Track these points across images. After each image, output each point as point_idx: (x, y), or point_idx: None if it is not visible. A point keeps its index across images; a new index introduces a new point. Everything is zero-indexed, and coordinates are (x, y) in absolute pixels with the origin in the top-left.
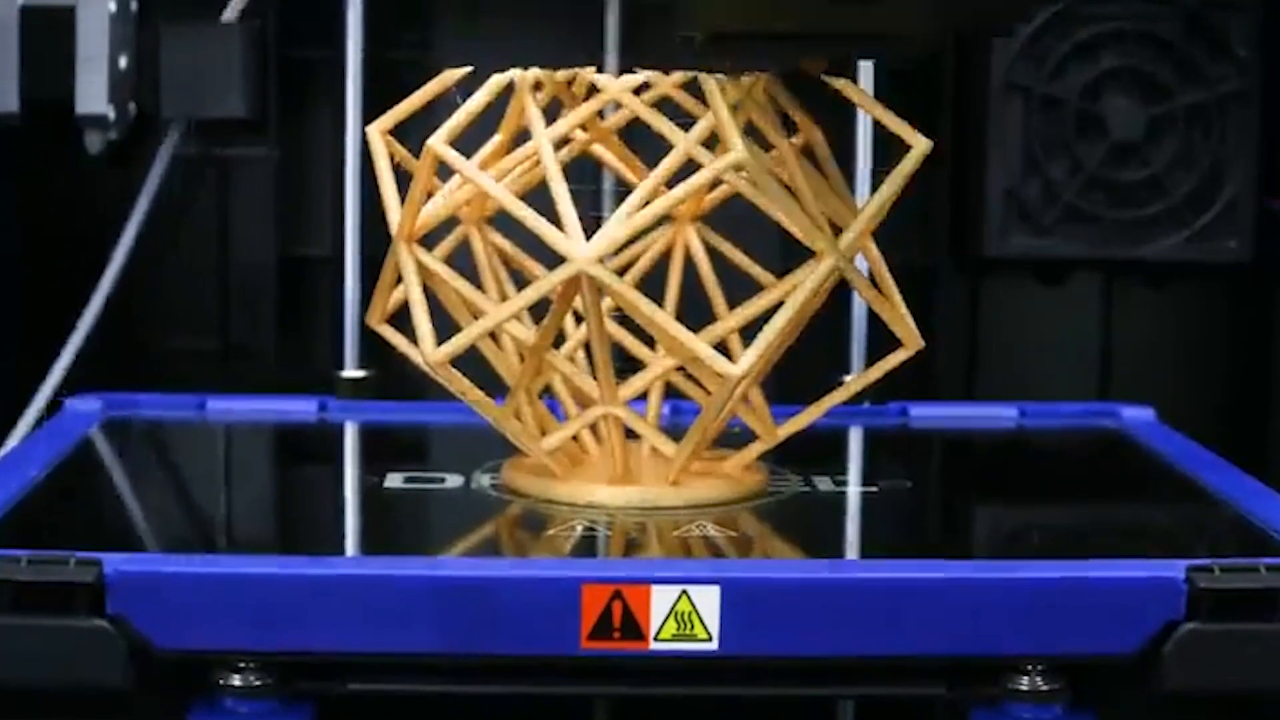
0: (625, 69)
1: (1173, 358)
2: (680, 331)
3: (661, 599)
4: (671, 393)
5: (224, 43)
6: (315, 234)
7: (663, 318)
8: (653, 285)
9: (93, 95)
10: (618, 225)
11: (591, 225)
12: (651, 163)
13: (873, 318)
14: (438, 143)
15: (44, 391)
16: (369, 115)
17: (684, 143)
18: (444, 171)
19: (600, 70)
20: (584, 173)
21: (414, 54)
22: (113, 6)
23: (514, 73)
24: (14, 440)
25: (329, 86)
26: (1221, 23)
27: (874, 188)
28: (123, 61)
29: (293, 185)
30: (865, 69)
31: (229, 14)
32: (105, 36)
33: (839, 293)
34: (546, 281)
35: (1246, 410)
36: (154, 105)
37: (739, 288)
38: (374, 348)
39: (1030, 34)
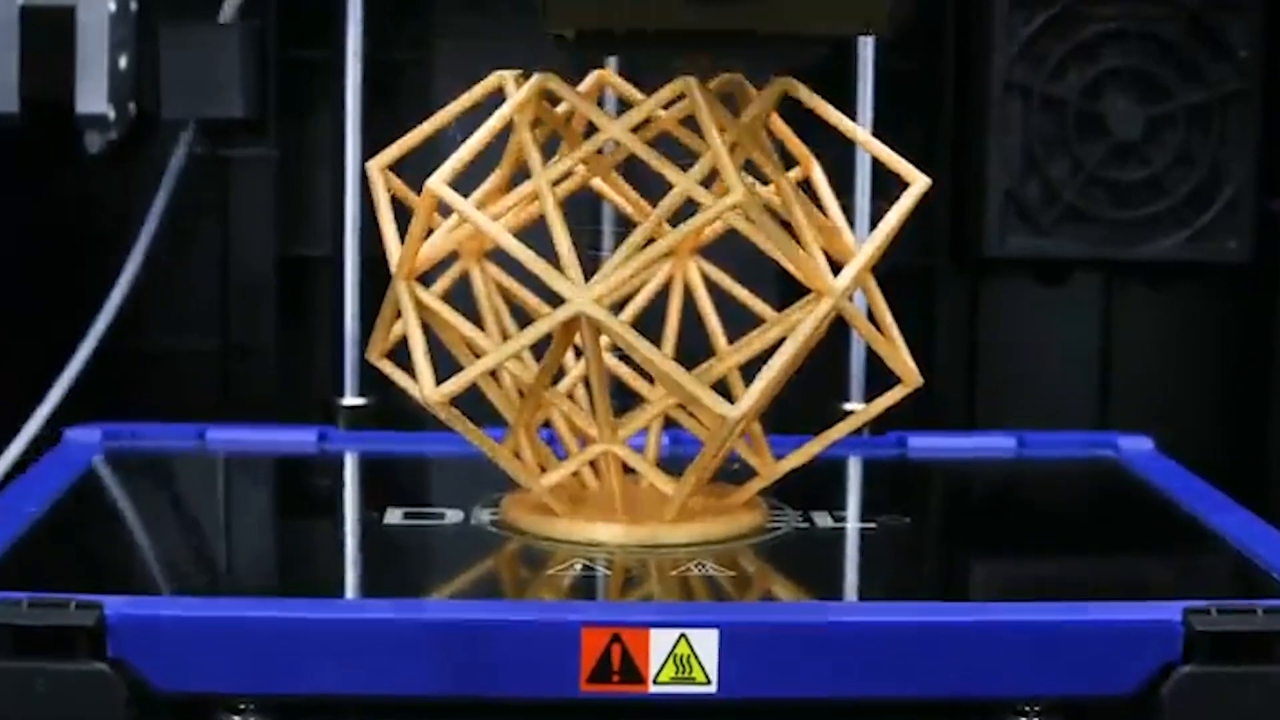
0: (625, 68)
1: (1173, 358)
2: (679, 373)
3: (660, 642)
4: (671, 422)
5: (224, 43)
6: (315, 234)
7: (661, 359)
8: (653, 315)
9: (93, 95)
10: (617, 267)
11: (591, 264)
12: (653, 181)
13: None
14: (437, 183)
15: (42, 410)
16: (369, 115)
17: (683, 182)
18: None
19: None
20: (583, 207)
21: (414, 54)
22: (113, 6)
23: (513, 91)
24: (25, 431)
25: (329, 86)
26: (1222, 23)
27: (873, 220)
28: (123, 61)
29: (293, 185)
30: (864, 72)
31: (226, 13)
32: (105, 36)
33: (839, 319)
34: (546, 322)
35: (1246, 411)
36: (154, 105)
37: (739, 315)
38: (374, 372)
39: (1030, 34)
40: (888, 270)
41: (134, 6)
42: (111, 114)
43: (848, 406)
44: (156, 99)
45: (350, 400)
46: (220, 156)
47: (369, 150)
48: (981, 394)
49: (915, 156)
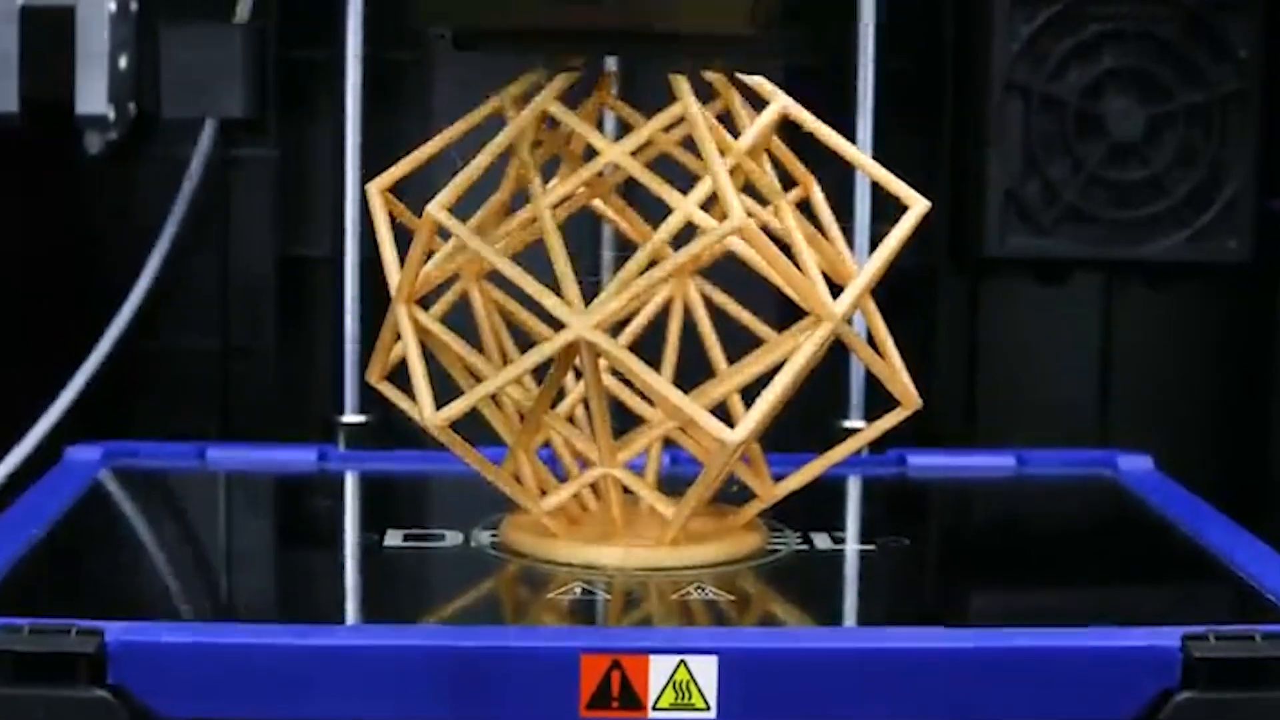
0: (625, 69)
1: (1173, 358)
2: (678, 397)
3: (660, 669)
4: (670, 442)
5: (224, 43)
6: (315, 234)
7: (660, 383)
8: (652, 334)
9: (93, 95)
10: (616, 293)
11: (590, 289)
12: (653, 201)
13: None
14: (437, 209)
15: (48, 418)
16: (369, 115)
17: (683, 206)
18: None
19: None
20: (583, 229)
21: (414, 54)
22: (113, 6)
23: (512, 114)
24: (29, 439)
25: (329, 86)
26: (1221, 23)
27: (874, 240)
28: (123, 61)
29: (293, 185)
30: (865, 72)
31: (241, 14)
32: (105, 36)
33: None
34: (546, 348)
35: (1246, 411)
36: (154, 105)
37: (739, 334)
38: (374, 388)
39: (1030, 34)
40: (887, 271)
41: (134, 6)
42: (111, 114)
43: (848, 424)
44: (156, 99)
45: (350, 418)
46: (220, 156)
47: (369, 150)
48: (981, 394)
49: (915, 157)
